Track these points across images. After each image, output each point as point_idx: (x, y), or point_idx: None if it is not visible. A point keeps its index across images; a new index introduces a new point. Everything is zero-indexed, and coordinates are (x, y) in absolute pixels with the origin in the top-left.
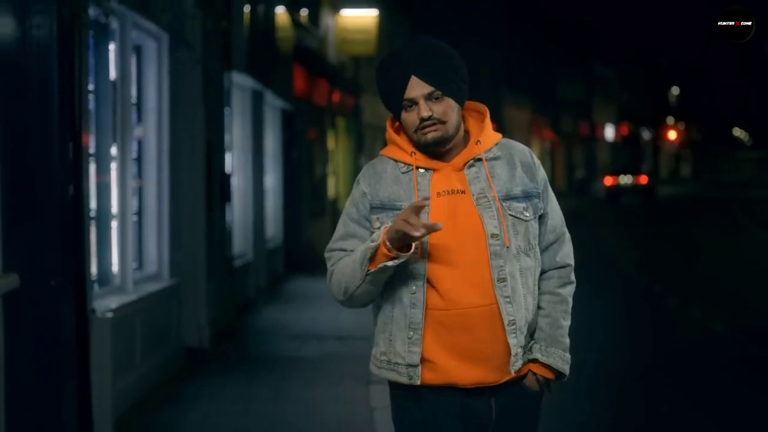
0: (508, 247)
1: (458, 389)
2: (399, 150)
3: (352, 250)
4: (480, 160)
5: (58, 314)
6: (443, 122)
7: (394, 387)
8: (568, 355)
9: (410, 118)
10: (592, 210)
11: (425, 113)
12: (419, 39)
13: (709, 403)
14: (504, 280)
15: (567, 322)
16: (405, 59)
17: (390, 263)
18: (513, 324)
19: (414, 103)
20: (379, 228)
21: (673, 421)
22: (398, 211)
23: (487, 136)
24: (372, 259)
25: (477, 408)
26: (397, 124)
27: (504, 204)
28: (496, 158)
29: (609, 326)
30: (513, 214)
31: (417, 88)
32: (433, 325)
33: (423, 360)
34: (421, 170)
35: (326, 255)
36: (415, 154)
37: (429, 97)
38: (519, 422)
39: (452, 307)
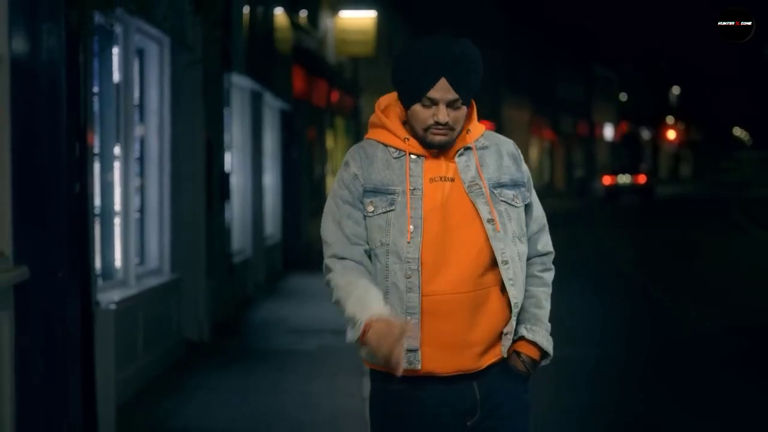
0: (498, 231)
1: (437, 378)
2: (390, 134)
3: (349, 236)
4: (470, 148)
5: (64, 306)
6: (453, 129)
7: (378, 384)
8: (551, 338)
9: (424, 114)
10: (591, 209)
11: (443, 119)
12: (457, 41)
13: (705, 397)
14: (507, 263)
15: (548, 305)
16: (440, 58)
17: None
18: (517, 307)
19: (434, 103)
20: (372, 212)
21: (670, 414)
22: (392, 196)
23: (475, 126)
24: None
25: (459, 396)
26: (384, 105)
27: (495, 191)
28: (484, 147)
29: (608, 323)
30: (505, 200)
31: (443, 91)
32: (422, 313)
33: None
34: (413, 156)
35: (324, 239)
36: (408, 140)
37: (451, 104)
38: (506, 406)
39: (440, 293)
